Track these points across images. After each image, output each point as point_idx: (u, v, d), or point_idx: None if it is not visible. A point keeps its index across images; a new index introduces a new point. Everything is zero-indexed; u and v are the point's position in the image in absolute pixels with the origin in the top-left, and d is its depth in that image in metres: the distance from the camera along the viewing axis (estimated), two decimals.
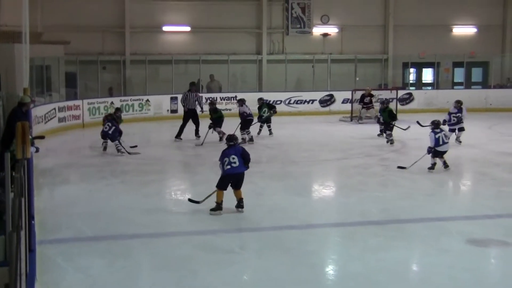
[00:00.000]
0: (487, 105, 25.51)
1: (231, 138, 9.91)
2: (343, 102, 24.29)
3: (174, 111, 22.89)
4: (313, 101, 24.90)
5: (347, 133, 18.51)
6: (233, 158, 9.44)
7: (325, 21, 27.09)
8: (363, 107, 22.03)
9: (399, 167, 13.15)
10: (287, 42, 26.85)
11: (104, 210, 9.94)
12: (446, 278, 7.01)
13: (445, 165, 12.87)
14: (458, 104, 16.83)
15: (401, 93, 24.96)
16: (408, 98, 25.66)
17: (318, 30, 26.91)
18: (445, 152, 12.86)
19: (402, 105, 24.66)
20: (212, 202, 9.51)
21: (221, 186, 9.52)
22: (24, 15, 14.05)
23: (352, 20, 27.16)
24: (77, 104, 20.58)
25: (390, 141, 16.37)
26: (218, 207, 9.45)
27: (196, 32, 26.04)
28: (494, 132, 19.45)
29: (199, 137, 17.36)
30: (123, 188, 11.85)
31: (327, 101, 24.90)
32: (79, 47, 23.31)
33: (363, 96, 22.03)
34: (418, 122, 15.41)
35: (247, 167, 9.68)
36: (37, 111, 17.43)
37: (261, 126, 18.00)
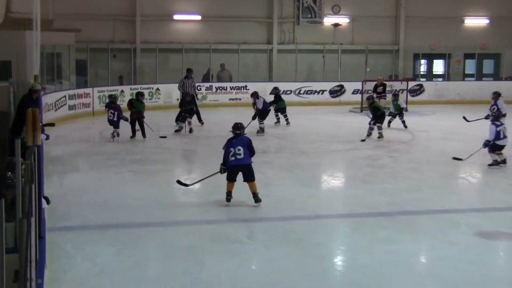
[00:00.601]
0: None
1: (238, 126, 9.65)
2: (353, 93, 24.24)
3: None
4: (323, 91, 24.85)
5: (356, 124, 18.46)
6: (239, 150, 9.25)
7: (336, 11, 27.00)
8: (376, 97, 21.94)
9: (455, 158, 13.11)
10: (297, 32, 26.77)
11: (113, 199, 9.98)
12: (454, 271, 7.01)
13: (504, 162, 12.49)
14: (494, 95, 16.51)
15: (411, 84, 24.87)
16: (419, 90, 25.57)
17: (329, 20, 26.83)
18: (503, 147, 12.47)
19: (413, 96, 24.60)
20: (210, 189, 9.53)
21: (228, 177, 9.41)
22: (35, 2, 14.04)
23: (363, 11, 27.05)
24: (87, 92, 20.65)
25: (379, 134, 16.01)
26: (226, 197, 9.41)
27: (207, 21, 26.01)
28: (505, 125, 19.32)
29: (202, 123, 18.13)
30: (132, 177, 11.90)
31: (337, 92, 24.86)
32: (89, 35, 23.32)
33: (376, 86, 21.96)
34: (464, 118, 15.05)
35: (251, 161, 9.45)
36: (48, 99, 17.49)
37: (277, 116, 18.28)
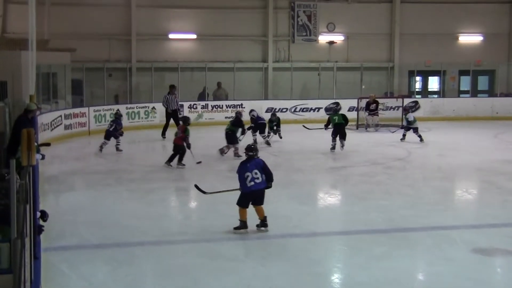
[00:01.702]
0: (493, 114, 25.47)
1: (251, 148, 9.22)
2: (349, 110, 24.24)
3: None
4: (319, 109, 24.88)
5: (352, 141, 18.47)
6: (256, 174, 8.87)
7: (331, 29, 27.11)
8: (369, 114, 22.08)
9: None
10: (293, 50, 26.88)
11: (109, 218, 9.96)
12: (451, 287, 6.99)
13: None
14: None
15: (407, 101, 24.88)
16: (414, 106, 25.58)
17: (324, 38, 26.93)
18: None
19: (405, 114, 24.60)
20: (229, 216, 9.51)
21: (243, 204, 9.01)
22: (31, 23, 14.11)
23: (358, 28, 27.17)
24: (83, 112, 20.66)
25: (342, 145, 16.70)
26: (243, 225, 8.99)
27: (202, 40, 26.10)
28: (500, 141, 19.42)
29: (164, 138, 19.11)
30: (128, 196, 11.88)
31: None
32: (85, 54, 23.37)
33: (368, 104, 22.10)
34: None
35: (270, 185, 9.05)
36: (43, 118, 17.50)
37: (269, 133, 18.23)
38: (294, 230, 9.26)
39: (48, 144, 12.60)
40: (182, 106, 22.51)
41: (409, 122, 18.69)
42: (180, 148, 14.41)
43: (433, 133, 20.51)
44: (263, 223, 9.04)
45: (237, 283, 7.13)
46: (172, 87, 20.46)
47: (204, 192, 9.85)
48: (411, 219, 10.02)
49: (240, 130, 16.30)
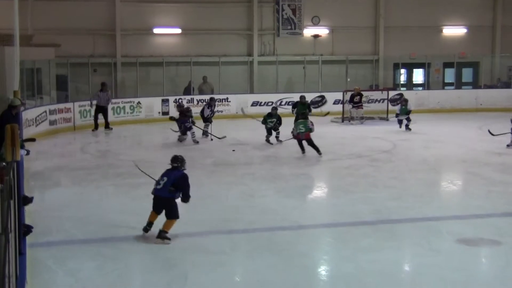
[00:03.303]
0: (477, 105, 25.61)
1: (174, 159, 8.93)
2: (334, 103, 24.31)
3: (165, 113, 22.86)
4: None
5: (338, 134, 18.54)
6: (163, 179, 8.60)
7: (315, 22, 27.12)
8: (353, 107, 22.14)
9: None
10: (278, 43, 26.86)
11: (95, 213, 9.91)
12: (437, 278, 7.02)
13: None
14: None
15: (392, 93, 24.98)
16: (399, 99, 25.64)
17: (309, 32, 26.93)
18: None
19: (393, 105, 24.69)
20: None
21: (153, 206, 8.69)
22: (15, 18, 13.98)
23: (343, 22, 27.21)
24: (68, 107, 20.52)
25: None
26: (145, 227, 8.63)
27: (187, 34, 26.02)
28: (484, 132, 19.47)
29: (111, 129, 19.89)
30: (113, 191, 11.83)
31: (318, 102, 24.91)
32: (70, 49, 23.24)
33: (352, 96, 22.15)
34: (489, 131, 14.18)
35: (183, 198, 8.60)
36: (28, 114, 17.38)
37: (267, 136, 17.12)
38: (281, 223, 9.26)
39: (33, 140, 12.53)
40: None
41: (408, 112, 19.42)
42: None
43: (418, 125, 20.57)
44: (159, 234, 8.40)
45: (224, 277, 7.12)
46: (103, 85, 20.41)
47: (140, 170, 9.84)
48: (397, 210, 10.05)
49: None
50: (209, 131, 17.62)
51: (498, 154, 15.01)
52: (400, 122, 19.58)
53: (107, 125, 20.05)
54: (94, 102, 20.20)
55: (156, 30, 25.74)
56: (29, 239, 7.26)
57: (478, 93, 26.52)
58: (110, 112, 21.21)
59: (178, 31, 25.97)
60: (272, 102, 24.23)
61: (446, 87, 28.15)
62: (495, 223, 9.21)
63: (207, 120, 17.97)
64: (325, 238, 8.91)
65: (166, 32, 25.96)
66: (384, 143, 17.06)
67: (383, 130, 19.79)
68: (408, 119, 19.38)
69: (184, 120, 17.00)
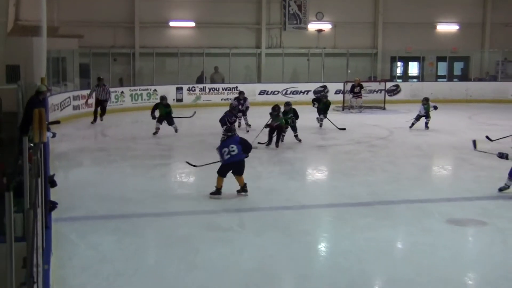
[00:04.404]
0: (467, 97, 25.51)
1: (229, 129, 9.90)
2: (335, 93, 24.21)
3: (179, 100, 22.90)
4: (308, 91, 24.82)
5: (338, 122, 18.40)
6: (232, 147, 9.29)
7: (319, 17, 26.99)
8: (353, 96, 22.10)
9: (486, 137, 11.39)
10: (284, 37, 26.74)
11: (114, 192, 9.93)
12: (428, 255, 7.02)
13: None
14: None
15: (389, 85, 25.00)
16: (395, 90, 25.65)
17: (313, 26, 26.81)
18: None
19: (390, 96, 24.72)
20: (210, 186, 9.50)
21: (221, 173, 9.39)
22: (42, 11, 13.99)
23: (345, 17, 27.06)
24: None
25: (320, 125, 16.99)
26: (218, 191, 9.37)
27: (200, 28, 25.93)
28: (473, 122, 19.44)
29: (102, 120, 18.24)
30: (132, 171, 11.85)
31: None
32: (92, 40, 23.19)
33: (353, 86, 22.12)
34: (487, 137, 13.03)
35: (247, 155, 9.49)
36: (53, 100, 17.40)
37: (284, 132, 14.62)
38: (285, 203, 9.26)
39: (58, 122, 12.51)
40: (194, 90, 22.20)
41: (428, 111, 17.16)
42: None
43: (412, 115, 20.44)
44: (243, 189, 9.42)
45: (232, 252, 7.13)
46: (100, 80, 18.84)
47: (194, 166, 10.17)
48: (392, 193, 10.04)
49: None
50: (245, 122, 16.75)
51: (486, 142, 14.91)
52: (412, 123, 17.20)
53: (102, 115, 18.35)
54: (93, 96, 18.78)
55: (172, 23, 25.65)
56: (54, 214, 7.28)
57: (468, 86, 26.41)
58: (128, 99, 21.21)
59: (192, 24, 25.88)
60: (278, 91, 24.26)
61: (438, 80, 28.04)
62: (482, 205, 9.18)
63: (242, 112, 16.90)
64: (325, 217, 8.92)
65: (181, 25, 25.86)
66: (381, 131, 17.02)
67: (381, 118, 19.72)
68: (427, 116, 17.15)
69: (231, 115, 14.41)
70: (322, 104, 17.40)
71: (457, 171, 12.43)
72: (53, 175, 7.91)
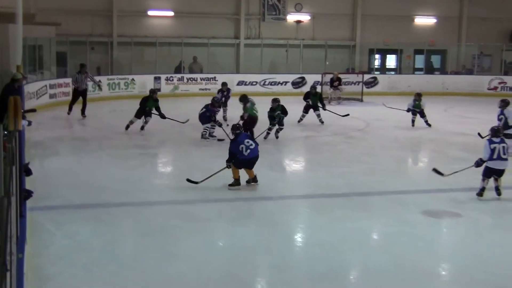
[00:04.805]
0: (444, 90, 25.74)
1: (237, 127, 9.63)
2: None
3: (157, 90, 22.76)
4: (286, 83, 24.89)
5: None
6: (248, 142, 9.25)
7: (298, 9, 26.98)
8: (331, 88, 22.19)
9: (435, 171, 9.87)
10: (263, 27, 26.71)
11: (91, 181, 9.86)
12: (403, 245, 7.08)
13: (498, 192, 8.98)
14: (502, 103, 12.50)
15: (366, 77, 25.13)
16: (373, 82, 25.78)
17: (292, 17, 26.82)
18: (500, 171, 8.88)
19: (368, 88, 24.83)
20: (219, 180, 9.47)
21: (239, 166, 9.29)
22: None
23: (323, 9, 27.10)
24: (67, 82, 20.25)
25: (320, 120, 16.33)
26: (236, 182, 9.31)
27: (179, 17, 25.78)
28: (450, 114, 19.62)
29: (85, 116, 16.99)
30: (109, 161, 11.76)
31: (299, 83, 24.89)
32: (69, 28, 22.96)
33: (332, 81, 22.20)
34: (479, 134, 12.57)
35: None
36: (29, 88, 17.19)
37: (269, 129, 14.07)
38: (263, 194, 9.26)
39: (34, 110, 12.34)
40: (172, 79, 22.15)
41: (421, 108, 16.16)
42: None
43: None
44: (254, 179, 9.43)
45: (210, 242, 7.12)
46: (82, 66, 17.69)
47: (196, 183, 9.33)
48: (369, 184, 10.09)
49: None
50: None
51: (462, 135, 15.10)
52: (413, 119, 16.29)
53: (83, 111, 17.21)
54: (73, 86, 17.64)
55: (150, 12, 25.49)
56: (29, 203, 7.21)
57: (445, 79, 26.65)
58: (106, 88, 21.05)
59: (171, 13, 25.73)
60: (256, 82, 24.25)
61: (416, 72, 28.22)
62: (457, 197, 9.26)
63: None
64: (303, 208, 8.94)
65: (160, 14, 25.72)
66: (359, 122, 17.09)
67: (358, 110, 19.80)
68: (423, 114, 16.11)
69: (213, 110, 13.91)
70: (312, 97, 16.45)
71: (433, 163, 12.38)
72: (28, 163, 7.81)
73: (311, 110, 16.49)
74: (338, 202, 9.02)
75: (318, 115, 16.40)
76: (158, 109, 14.81)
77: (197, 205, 8.66)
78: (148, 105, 14.77)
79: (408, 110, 16.28)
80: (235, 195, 9.15)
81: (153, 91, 15.25)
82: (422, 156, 13.64)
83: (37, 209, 7.81)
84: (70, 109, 17.33)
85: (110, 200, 8.83)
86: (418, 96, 16.26)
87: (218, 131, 13.72)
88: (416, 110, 16.16)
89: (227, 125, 14.48)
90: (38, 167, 10.76)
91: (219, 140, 13.44)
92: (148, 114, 14.81)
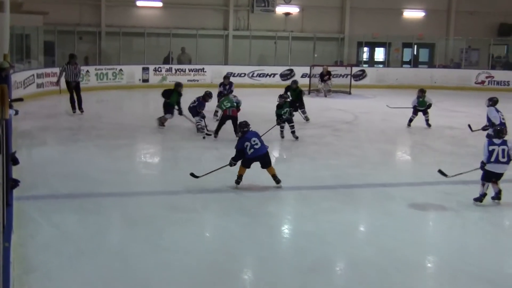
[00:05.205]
0: (432, 83, 25.78)
1: (244, 124, 9.27)
2: (302, 77, 24.24)
3: (145, 80, 22.75)
4: (274, 75, 24.89)
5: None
6: (254, 141, 9.01)
7: (287, 1, 26.96)
8: (321, 82, 22.20)
9: (440, 172, 9.37)
10: (252, 19, 26.66)
11: (78, 171, 9.83)
12: (389, 238, 7.13)
13: (497, 197, 8.54)
14: (489, 102, 12.24)
15: (355, 69, 25.19)
16: (361, 75, 25.83)
17: (281, 9, 26.81)
18: (498, 175, 8.42)
19: (356, 80, 24.89)
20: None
21: (245, 165, 9.10)
22: None
23: (312, 1, 27.10)
24: (55, 72, 20.11)
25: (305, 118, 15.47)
26: (240, 177, 9.07)
27: (168, 8, 25.68)
28: (437, 108, 19.63)
29: (82, 111, 15.88)
30: (96, 151, 11.71)
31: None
32: (57, 17, 22.80)
33: (322, 75, 22.21)
34: (469, 126, 12.57)
35: (267, 146, 9.23)
36: (17, 77, 17.08)
37: (281, 127, 13.37)
38: (250, 185, 9.27)
39: (21, 99, 12.27)
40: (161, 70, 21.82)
41: (427, 105, 15.07)
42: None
43: (377, 100, 20.71)
44: (275, 180, 9.11)
45: (196, 233, 7.13)
46: (72, 57, 16.24)
47: (197, 177, 9.17)
48: (356, 176, 10.14)
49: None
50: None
51: (449, 128, 15.19)
52: (411, 118, 15.23)
53: (79, 105, 15.96)
54: (63, 78, 16.13)
55: (139, 3, 25.40)
56: (16, 192, 7.17)
57: (433, 72, 26.75)
58: (93, 78, 20.94)
59: (160, 4, 25.63)
60: (245, 74, 24.23)
61: (404, 65, 28.31)
62: (443, 190, 9.30)
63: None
64: (289, 200, 8.97)
65: (148, 5, 25.63)
66: (346, 115, 17.13)
67: (346, 103, 19.85)
68: (426, 112, 15.07)
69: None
70: (291, 91, 15.47)
71: (420, 157, 12.57)
72: (15, 152, 7.77)
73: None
74: (324, 194, 9.05)
75: (303, 112, 15.56)
76: (178, 103, 13.96)
77: (183, 196, 8.65)
78: (172, 100, 13.87)
79: (414, 108, 15.13)
80: (220, 186, 9.14)
81: (179, 85, 14.17)
82: (409, 149, 13.69)
83: (23, 198, 7.78)
84: (73, 107, 15.91)
85: (97, 191, 8.81)
86: (421, 92, 15.10)
87: (212, 124, 13.66)
88: (420, 108, 15.07)
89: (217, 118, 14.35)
90: (25, 156, 10.70)
91: (207, 135, 13.22)
92: (170, 110, 13.94)
